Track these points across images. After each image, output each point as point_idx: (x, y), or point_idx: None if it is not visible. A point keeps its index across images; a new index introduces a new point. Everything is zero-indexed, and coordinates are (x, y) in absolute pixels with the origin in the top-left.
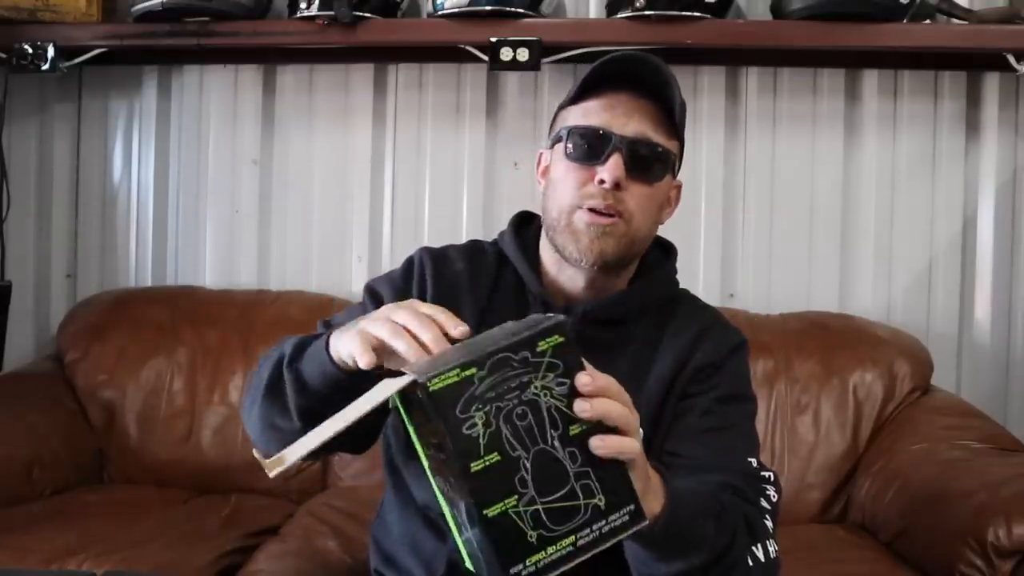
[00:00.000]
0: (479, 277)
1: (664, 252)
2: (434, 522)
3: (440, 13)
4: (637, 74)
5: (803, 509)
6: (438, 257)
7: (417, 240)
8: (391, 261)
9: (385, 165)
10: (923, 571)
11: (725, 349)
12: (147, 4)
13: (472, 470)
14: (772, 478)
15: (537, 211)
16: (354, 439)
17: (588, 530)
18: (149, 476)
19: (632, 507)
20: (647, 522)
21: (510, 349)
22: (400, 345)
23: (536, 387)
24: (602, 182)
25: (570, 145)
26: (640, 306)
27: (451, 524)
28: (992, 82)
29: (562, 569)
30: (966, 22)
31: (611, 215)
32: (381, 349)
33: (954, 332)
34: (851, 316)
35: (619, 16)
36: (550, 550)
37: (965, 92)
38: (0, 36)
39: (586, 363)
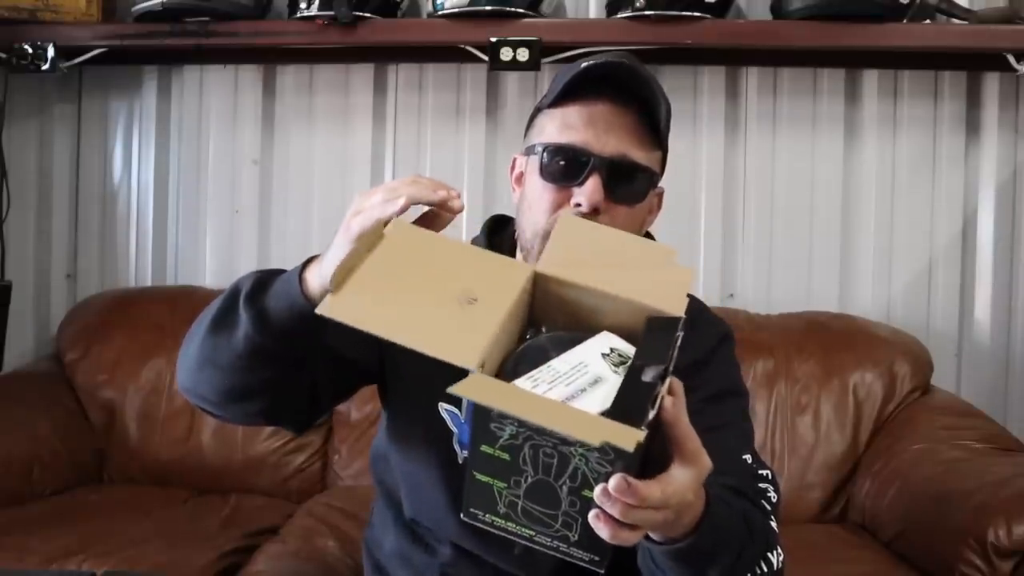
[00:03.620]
0: None
1: None
2: (422, 537)
3: (440, 13)
4: (619, 79)
5: (803, 509)
6: None
7: None
8: None
9: (385, 165)
10: (923, 571)
11: (710, 344)
12: (147, 4)
13: (482, 449)
14: (770, 476)
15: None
16: (295, 412)
17: (549, 540)
18: (149, 476)
19: (597, 559)
20: (602, 572)
21: (561, 440)
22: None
23: (576, 451)
24: (578, 205)
25: (546, 163)
26: None
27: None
28: (992, 82)
29: (515, 540)
30: (966, 22)
31: None
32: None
33: (954, 332)
34: (851, 316)
35: (619, 16)
36: (509, 524)
37: (965, 92)
38: (0, 36)
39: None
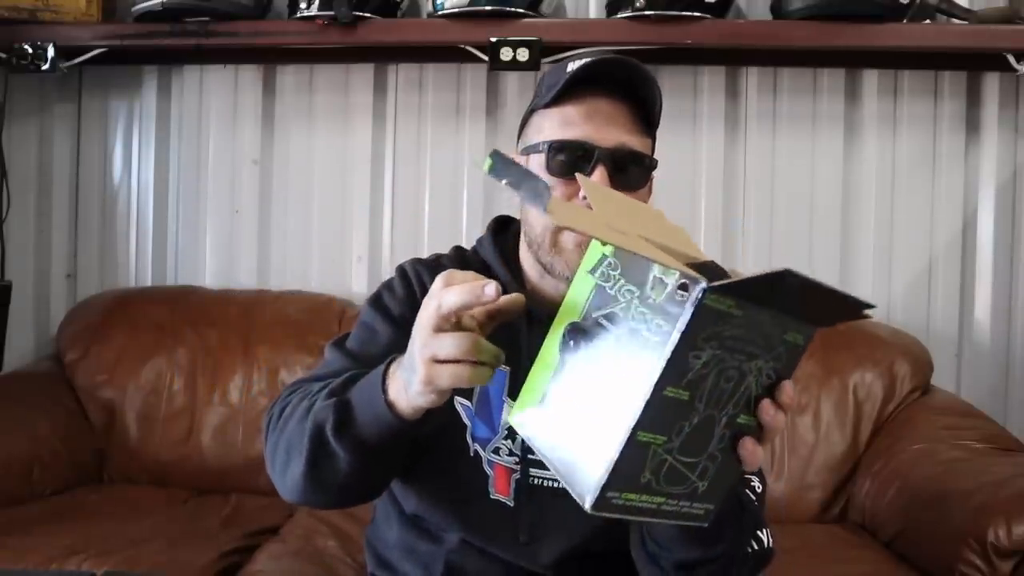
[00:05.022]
0: None
1: None
2: (427, 529)
3: (440, 13)
4: (610, 74)
5: (803, 509)
6: (433, 267)
7: (417, 240)
8: (391, 261)
9: (385, 165)
10: (923, 571)
11: None
12: (147, 4)
13: (665, 393)
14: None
15: (517, 214)
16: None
17: (676, 502)
18: (149, 476)
19: (711, 508)
20: (705, 524)
21: (774, 318)
22: (463, 382)
23: (756, 365)
24: (586, 197)
25: (552, 158)
26: None
27: None
28: (992, 82)
29: (634, 519)
30: (966, 22)
31: None
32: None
33: (954, 332)
34: None
35: (619, 16)
36: (643, 498)
37: (965, 92)
38: (0, 36)
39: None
